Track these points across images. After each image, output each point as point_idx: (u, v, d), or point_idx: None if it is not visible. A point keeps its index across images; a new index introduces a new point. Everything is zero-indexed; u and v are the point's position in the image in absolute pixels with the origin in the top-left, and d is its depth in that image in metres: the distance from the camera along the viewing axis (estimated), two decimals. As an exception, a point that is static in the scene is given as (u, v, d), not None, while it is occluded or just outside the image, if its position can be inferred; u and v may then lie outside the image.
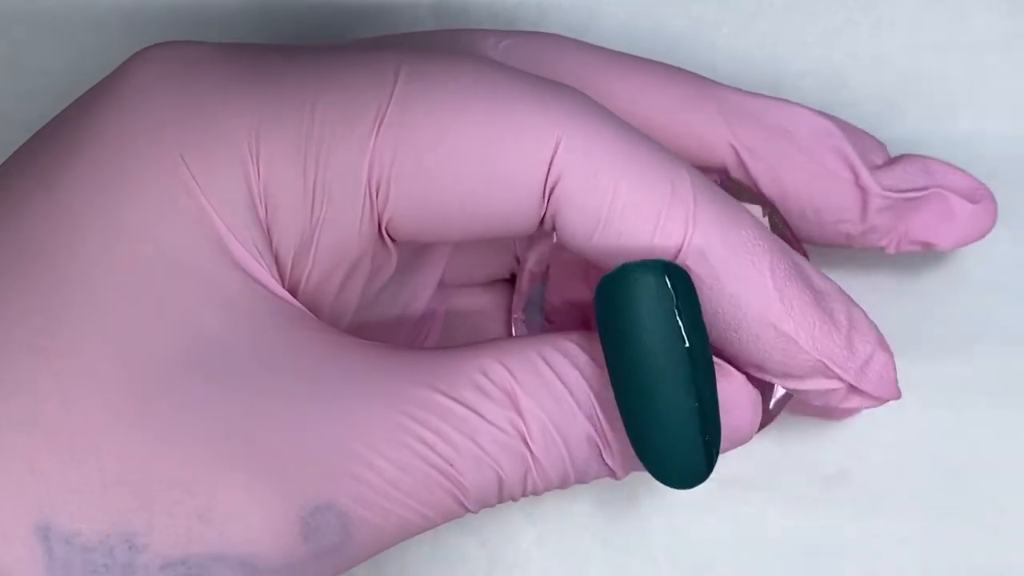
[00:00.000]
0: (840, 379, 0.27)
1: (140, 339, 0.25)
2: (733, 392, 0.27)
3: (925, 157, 0.31)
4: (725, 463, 0.34)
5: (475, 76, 0.26)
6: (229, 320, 0.25)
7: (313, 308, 0.27)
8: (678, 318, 0.25)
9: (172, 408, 0.24)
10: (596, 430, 0.26)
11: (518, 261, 0.32)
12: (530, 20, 0.35)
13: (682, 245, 0.26)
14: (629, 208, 0.26)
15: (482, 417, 0.26)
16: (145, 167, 0.25)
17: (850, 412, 0.33)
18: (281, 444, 0.25)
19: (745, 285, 0.26)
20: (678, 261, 0.26)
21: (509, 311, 0.33)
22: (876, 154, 0.31)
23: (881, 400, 0.28)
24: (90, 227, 0.25)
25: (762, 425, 0.28)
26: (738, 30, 0.35)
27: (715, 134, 0.30)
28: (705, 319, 0.26)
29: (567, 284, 0.31)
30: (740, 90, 0.31)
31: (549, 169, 0.26)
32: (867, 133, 0.32)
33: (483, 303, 0.33)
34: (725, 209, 0.26)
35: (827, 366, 0.27)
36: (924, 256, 0.34)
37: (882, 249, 0.31)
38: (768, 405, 0.30)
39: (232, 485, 0.24)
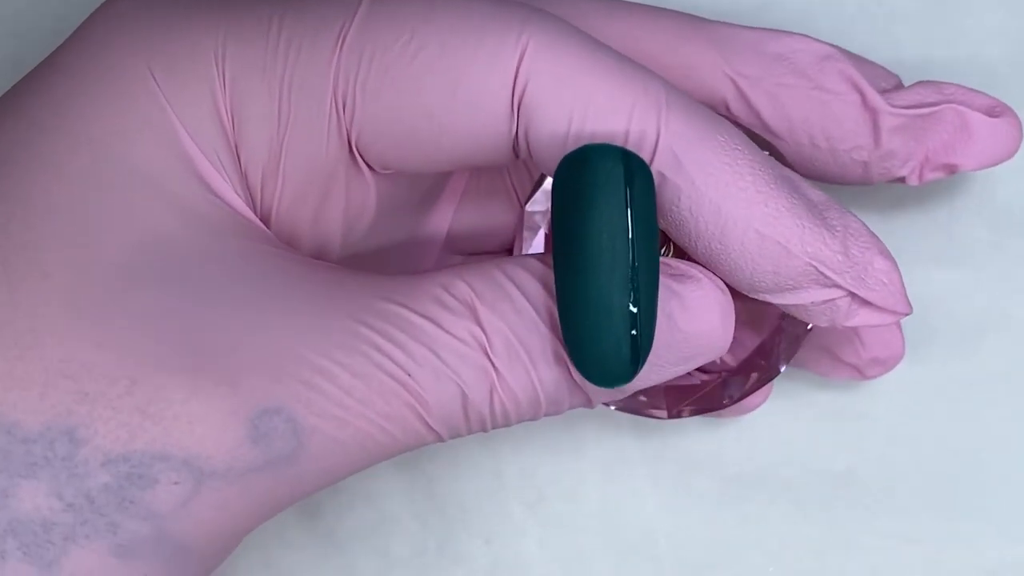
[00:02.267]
0: (837, 285, 0.26)
1: (93, 239, 0.25)
2: (701, 296, 0.26)
3: (938, 81, 0.30)
4: (729, 462, 0.35)
5: None
6: (184, 226, 0.25)
7: (291, 237, 0.27)
8: (627, 206, 0.24)
9: (120, 306, 0.24)
10: (564, 346, 0.25)
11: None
12: None
13: (655, 148, 0.25)
14: (599, 112, 0.25)
15: (440, 327, 0.25)
16: (112, 78, 0.26)
17: (877, 366, 0.32)
18: (228, 346, 0.24)
19: (725, 190, 0.25)
20: (653, 167, 0.25)
21: None
22: (885, 81, 0.30)
23: (891, 313, 0.27)
24: (53, 133, 0.25)
25: (785, 362, 0.28)
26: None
27: (712, 68, 0.29)
28: (690, 229, 0.25)
29: None
30: (734, 24, 0.30)
31: (516, 76, 0.25)
32: (877, 64, 0.31)
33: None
34: (699, 115, 0.26)
35: (820, 271, 0.26)
36: (928, 257, 0.34)
37: (904, 182, 0.30)
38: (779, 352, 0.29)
39: (176, 383, 0.24)
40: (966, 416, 0.34)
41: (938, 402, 0.34)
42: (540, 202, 0.30)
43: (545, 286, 0.25)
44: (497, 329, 0.25)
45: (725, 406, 0.30)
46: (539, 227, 0.30)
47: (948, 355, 0.34)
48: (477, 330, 0.25)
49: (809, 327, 0.29)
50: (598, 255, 0.24)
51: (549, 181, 0.29)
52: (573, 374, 0.26)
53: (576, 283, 0.24)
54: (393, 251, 0.30)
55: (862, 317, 0.27)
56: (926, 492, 0.34)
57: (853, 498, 0.34)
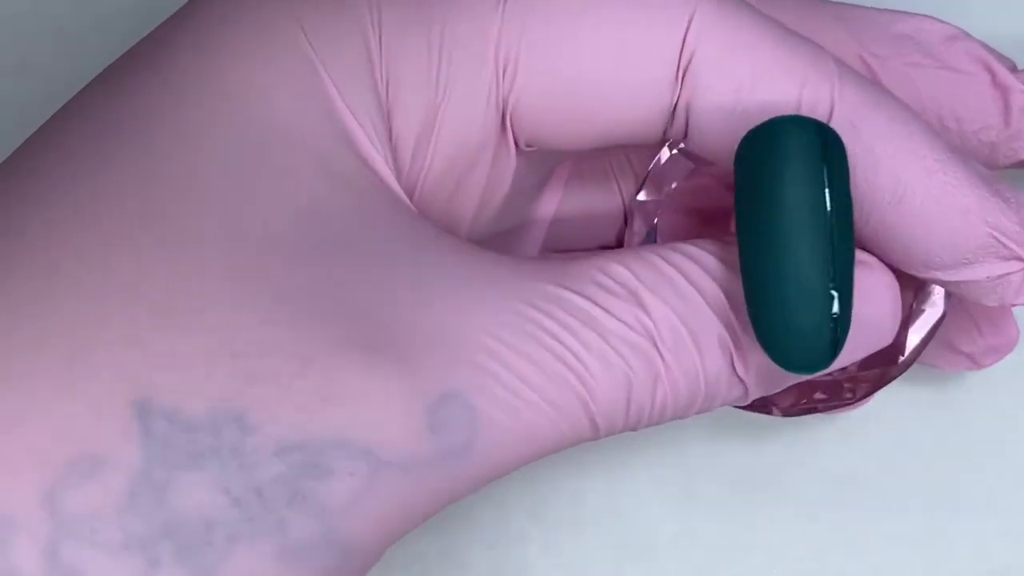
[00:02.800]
0: (1017, 257, 0.25)
1: (249, 208, 0.22)
2: (872, 282, 0.25)
3: None
4: (730, 465, 0.34)
5: None
6: (338, 195, 0.23)
7: (427, 205, 0.25)
8: (826, 182, 0.23)
9: (284, 279, 0.22)
10: (728, 331, 0.24)
11: (626, 222, 0.31)
12: None
13: (830, 115, 0.24)
14: (771, 81, 0.24)
15: (608, 312, 0.23)
16: (261, 35, 0.24)
17: (993, 354, 0.31)
18: (402, 326, 0.22)
19: (904, 158, 0.24)
20: (833, 115, 0.24)
21: None
22: (1004, 63, 0.30)
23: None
24: (196, 92, 0.23)
25: (917, 353, 0.27)
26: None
27: (840, 45, 0.29)
28: (863, 200, 0.25)
29: (682, 212, 0.29)
30: (860, 6, 0.29)
31: (684, 41, 0.24)
32: (993, 48, 0.30)
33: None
34: (870, 84, 0.25)
35: (1000, 241, 0.25)
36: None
37: None
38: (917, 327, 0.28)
39: (352, 362, 0.22)
40: (968, 417, 0.34)
41: (940, 403, 0.34)
42: (653, 191, 0.29)
43: (706, 271, 0.24)
44: (663, 315, 0.24)
45: (852, 403, 0.29)
46: (652, 218, 0.29)
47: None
48: (643, 316, 0.24)
49: (942, 315, 0.28)
50: (797, 234, 0.23)
51: (660, 166, 0.28)
52: (737, 366, 0.25)
53: (772, 264, 0.23)
54: (500, 238, 0.29)
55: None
56: (928, 493, 0.34)
57: (855, 499, 0.34)
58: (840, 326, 0.23)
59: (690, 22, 0.24)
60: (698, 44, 0.24)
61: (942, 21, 0.30)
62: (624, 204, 0.30)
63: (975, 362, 0.31)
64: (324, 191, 0.23)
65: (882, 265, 0.25)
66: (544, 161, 0.28)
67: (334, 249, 0.23)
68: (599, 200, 0.31)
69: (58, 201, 0.23)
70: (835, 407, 0.29)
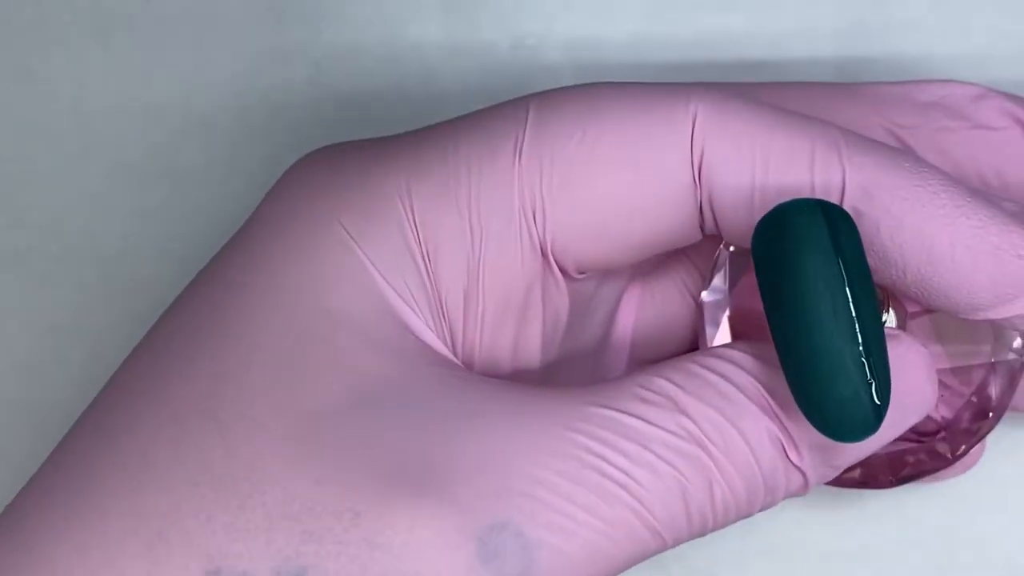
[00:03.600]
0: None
1: (300, 383, 0.25)
2: (903, 353, 0.25)
3: None
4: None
5: (601, 88, 0.27)
6: (389, 365, 0.25)
7: (493, 365, 0.27)
8: (837, 257, 0.24)
9: (333, 441, 0.24)
10: (775, 421, 0.25)
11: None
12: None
13: (843, 185, 0.25)
14: (780, 162, 0.25)
15: (649, 422, 0.24)
16: (303, 232, 0.26)
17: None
18: (444, 465, 0.24)
19: (923, 211, 0.25)
20: (845, 205, 0.25)
21: None
22: None
23: None
24: (253, 291, 0.26)
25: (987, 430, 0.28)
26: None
27: (868, 121, 0.29)
28: (896, 258, 0.25)
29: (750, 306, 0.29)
30: (880, 82, 0.30)
31: (692, 143, 0.26)
32: (1018, 96, 0.31)
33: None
34: (877, 146, 0.26)
35: None
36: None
37: None
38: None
39: (400, 508, 0.23)
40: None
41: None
42: (717, 290, 0.29)
43: (743, 369, 0.25)
44: (705, 415, 0.25)
45: (951, 461, 0.29)
46: (720, 317, 0.29)
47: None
48: (684, 420, 0.25)
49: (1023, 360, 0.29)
50: (818, 310, 0.24)
51: (719, 265, 0.29)
52: (791, 455, 0.25)
53: (801, 341, 0.24)
54: (583, 367, 0.30)
55: None
56: (932, 495, 0.34)
57: (858, 503, 0.34)
58: (880, 389, 0.24)
59: (694, 122, 0.26)
60: (706, 144, 0.26)
61: (965, 82, 0.30)
62: (690, 295, 0.31)
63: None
64: (370, 363, 0.25)
65: (910, 337, 0.26)
66: (605, 281, 0.29)
67: (381, 412, 0.25)
68: (673, 307, 0.31)
69: (141, 394, 0.26)
70: (935, 469, 0.30)
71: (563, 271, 0.27)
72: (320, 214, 0.26)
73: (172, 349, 0.26)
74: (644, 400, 0.25)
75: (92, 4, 0.35)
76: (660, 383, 0.25)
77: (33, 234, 0.35)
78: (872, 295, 0.24)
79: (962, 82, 0.30)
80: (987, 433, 0.29)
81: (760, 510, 0.26)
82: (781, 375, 0.25)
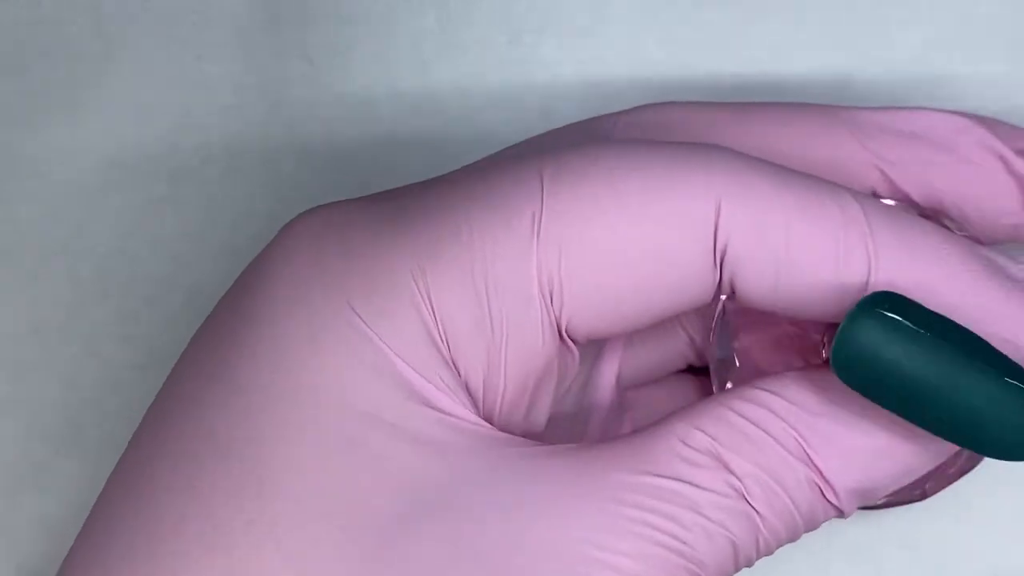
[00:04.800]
0: None
1: (354, 497, 0.24)
2: None
3: None
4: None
5: (616, 157, 0.26)
6: (433, 461, 0.25)
7: (507, 427, 0.27)
8: (920, 331, 0.24)
9: (403, 558, 0.24)
10: (812, 469, 0.25)
11: (693, 349, 0.32)
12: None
13: (868, 270, 0.25)
14: (805, 249, 0.25)
15: (697, 487, 0.25)
16: (319, 327, 0.25)
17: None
18: (509, 568, 0.24)
19: (947, 283, 0.25)
20: (870, 289, 0.25)
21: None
22: (1020, 140, 0.30)
23: None
24: (278, 398, 0.25)
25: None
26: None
27: (856, 159, 0.29)
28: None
29: (757, 360, 0.30)
30: (865, 107, 0.30)
31: (716, 234, 0.25)
32: (1006, 122, 0.31)
33: (664, 401, 0.32)
34: (901, 222, 0.26)
35: None
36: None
37: None
38: None
39: None
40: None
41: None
42: (721, 338, 0.30)
43: (778, 415, 0.25)
44: (748, 472, 0.25)
45: (921, 497, 0.30)
46: (731, 365, 0.30)
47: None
48: (731, 478, 0.25)
49: None
50: (945, 384, 0.24)
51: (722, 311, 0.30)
52: (829, 496, 0.26)
53: (954, 418, 0.24)
54: (574, 398, 0.30)
55: None
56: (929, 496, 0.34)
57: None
58: None
59: (718, 210, 0.25)
60: (731, 231, 0.25)
61: (947, 112, 0.30)
62: (684, 330, 0.31)
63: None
64: (414, 460, 0.24)
65: None
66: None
67: (435, 514, 0.24)
68: (661, 333, 0.32)
69: (171, 509, 0.25)
70: (908, 501, 0.30)
71: (575, 340, 0.27)
72: (332, 302, 0.25)
73: (200, 471, 0.25)
74: (689, 461, 0.25)
75: (90, 2, 0.35)
76: (701, 439, 0.25)
77: (24, 229, 0.35)
78: (968, 333, 0.25)
79: (944, 111, 0.30)
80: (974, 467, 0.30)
81: (798, 537, 0.26)
82: (814, 417, 0.25)
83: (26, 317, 0.34)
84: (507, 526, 0.24)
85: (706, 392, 0.31)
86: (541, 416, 0.27)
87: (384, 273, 0.25)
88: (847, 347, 0.24)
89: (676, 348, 0.32)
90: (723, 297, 0.28)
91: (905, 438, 0.26)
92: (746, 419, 0.25)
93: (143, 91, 0.34)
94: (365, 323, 0.25)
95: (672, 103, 0.30)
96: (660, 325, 0.29)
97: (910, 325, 0.24)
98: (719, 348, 0.30)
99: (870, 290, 0.25)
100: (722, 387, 0.30)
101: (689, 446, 0.25)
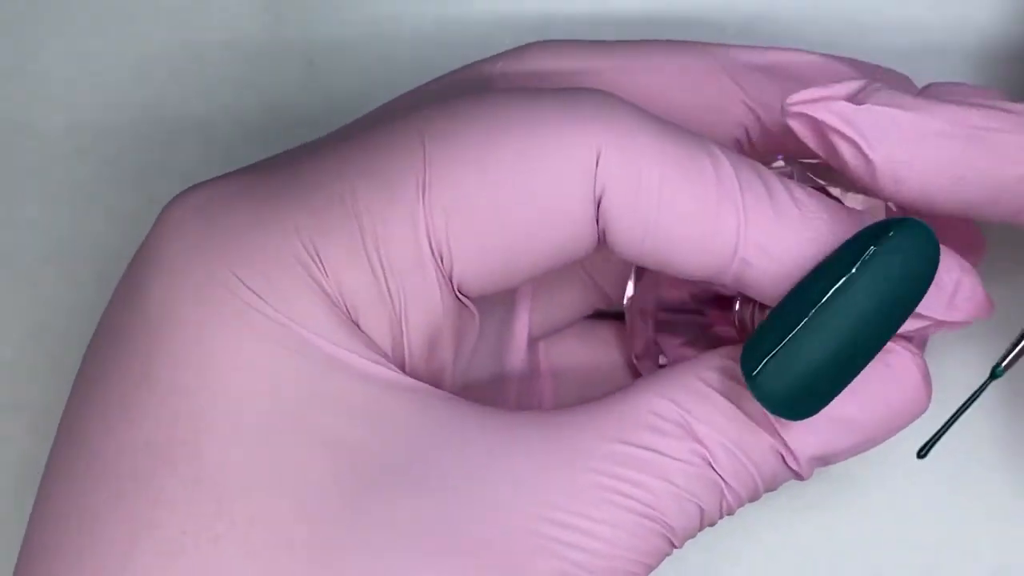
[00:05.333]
0: (929, 317, 0.27)
1: (306, 483, 0.24)
2: (902, 361, 0.27)
3: (951, 84, 0.30)
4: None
5: (494, 116, 0.26)
6: (373, 427, 0.25)
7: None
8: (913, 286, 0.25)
9: (366, 534, 0.24)
10: (776, 438, 0.26)
11: (597, 291, 0.32)
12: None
13: (737, 230, 0.26)
14: (677, 204, 0.25)
15: (667, 456, 0.25)
16: (230, 324, 0.25)
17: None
18: (479, 535, 0.24)
19: (808, 249, 0.26)
20: (739, 245, 0.26)
21: (608, 352, 0.32)
22: (902, 87, 0.29)
23: (972, 320, 0.27)
24: (209, 404, 0.25)
25: None
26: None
27: (733, 100, 0.30)
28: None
29: (673, 283, 0.31)
30: (744, 46, 0.30)
31: (595, 183, 0.26)
32: (890, 69, 0.31)
33: (579, 351, 0.32)
34: (772, 185, 0.26)
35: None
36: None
37: None
38: None
39: None
40: (966, 418, 0.34)
41: (937, 405, 0.34)
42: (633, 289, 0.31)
43: (741, 383, 0.26)
44: (716, 442, 0.26)
45: None
46: (649, 312, 0.30)
47: (947, 358, 0.34)
48: (698, 447, 0.26)
49: None
50: (876, 329, 0.25)
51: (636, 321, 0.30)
52: (790, 462, 0.26)
53: (829, 344, 0.25)
54: (484, 354, 0.30)
55: (947, 328, 0.27)
56: (926, 494, 0.34)
57: (852, 500, 0.34)
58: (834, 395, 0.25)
59: (597, 159, 0.25)
60: (607, 182, 0.26)
61: (827, 56, 0.30)
62: (588, 275, 0.32)
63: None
64: (351, 427, 0.25)
65: (910, 346, 0.27)
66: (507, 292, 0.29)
67: (385, 481, 0.24)
68: (569, 283, 0.32)
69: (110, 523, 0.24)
70: None
71: (469, 297, 0.27)
72: (237, 296, 0.25)
73: (144, 484, 0.25)
74: (659, 431, 0.26)
75: (90, 1, 0.35)
76: (669, 409, 0.26)
77: (24, 233, 0.35)
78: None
79: (822, 56, 0.30)
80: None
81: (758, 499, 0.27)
82: None
83: (27, 319, 0.34)
84: (472, 494, 0.24)
85: (618, 336, 0.32)
86: (444, 372, 0.27)
87: (281, 258, 0.25)
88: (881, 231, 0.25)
89: (584, 296, 0.32)
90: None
91: (870, 409, 0.27)
92: (715, 390, 0.26)
93: (142, 89, 0.34)
94: (274, 307, 0.25)
95: (549, 43, 0.30)
96: (565, 275, 0.31)
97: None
98: (636, 293, 0.30)
99: (738, 251, 0.25)
100: (633, 328, 0.31)
101: (659, 416, 0.26)
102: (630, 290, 0.31)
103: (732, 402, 0.26)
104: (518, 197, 0.25)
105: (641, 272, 0.31)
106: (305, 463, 0.24)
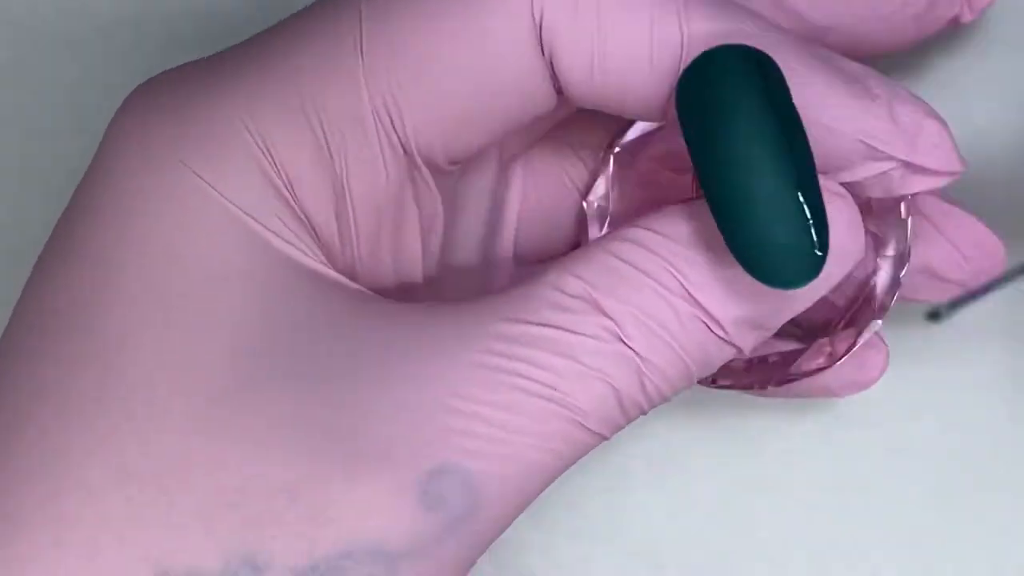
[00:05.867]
0: (890, 157, 0.25)
1: (199, 356, 0.24)
2: (829, 198, 0.24)
3: None
4: (729, 468, 0.34)
5: None
6: (280, 312, 0.24)
7: (375, 282, 0.26)
8: (768, 98, 0.23)
9: (248, 416, 0.23)
10: (694, 305, 0.24)
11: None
12: None
13: (681, 44, 0.24)
14: (617, 25, 0.24)
15: (569, 331, 0.24)
16: (154, 186, 0.24)
17: (981, 275, 0.30)
18: (368, 420, 0.23)
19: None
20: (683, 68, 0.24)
21: None
22: None
23: (944, 174, 0.26)
24: (119, 264, 0.24)
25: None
26: None
27: None
28: None
29: (634, 200, 0.30)
30: None
31: (533, 15, 0.24)
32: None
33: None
34: (719, 7, 0.25)
35: (869, 145, 0.25)
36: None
37: (959, 21, 0.29)
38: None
39: (335, 476, 0.23)
40: (965, 418, 0.34)
41: (937, 405, 0.34)
42: (599, 189, 0.29)
43: (653, 252, 0.24)
44: (624, 313, 0.24)
45: (833, 361, 0.29)
46: (606, 213, 0.29)
47: (946, 358, 0.34)
48: (606, 321, 0.24)
49: (907, 257, 0.28)
50: (755, 154, 0.23)
51: (608, 170, 0.29)
52: (716, 331, 0.25)
53: (738, 190, 0.23)
54: (468, 278, 0.29)
55: (917, 182, 0.26)
56: (926, 494, 0.34)
57: (853, 501, 0.34)
58: (818, 230, 0.23)
59: None
60: (545, 9, 0.24)
61: None
62: (573, 155, 0.31)
63: (967, 286, 0.30)
64: (260, 312, 0.24)
65: (832, 182, 0.25)
66: (477, 175, 0.29)
67: (284, 368, 0.24)
68: (558, 202, 0.31)
69: (23, 389, 0.24)
70: (817, 370, 0.29)
71: (434, 167, 0.26)
72: (166, 160, 0.24)
73: (45, 339, 0.24)
74: (561, 306, 0.24)
75: (91, 3, 0.35)
76: (575, 284, 0.24)
77: (37, 233, 0.35)
78: (804, 139, 0.24)
79: None
80: (869, 331, 0.29)
81: (699, 380, 0.25)
82: (691, 249, 0.24)
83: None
84: (366, 382, 0.24)
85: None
86: (413, 266, 0.26)
87: (214, 123, 0.24)
88: (698, 69, 0.24)
89: (572, 219, 0.31)
90: (605, 149, 0.28)
91: None
92: (620, 259, 0.24)
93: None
94: (199, 176, 0.24)
95: None
96: (556, 195, 0.30)
97: (761, 83, 0.23)
98: (592, 193, 0.29)
99: (683, 69, 0.24)
100: (595, 231, 0.29)
101: (564, 292, 0.24)
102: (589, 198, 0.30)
103: (643, 273, 0.24)
104: (460, 39, 0.24)
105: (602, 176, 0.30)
106: (200, 338, 0.23)
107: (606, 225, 0.30)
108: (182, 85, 0.26)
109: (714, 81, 0.23)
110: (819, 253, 0.23)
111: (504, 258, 0.30)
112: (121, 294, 0.24)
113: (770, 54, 0.24)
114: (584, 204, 0.30)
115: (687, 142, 0.24)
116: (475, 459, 0.23)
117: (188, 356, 0.24)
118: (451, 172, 0.27)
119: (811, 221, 0.23)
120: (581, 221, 0.30)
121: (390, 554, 0.23)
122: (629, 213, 0.30)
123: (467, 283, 0.29)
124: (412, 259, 0.27)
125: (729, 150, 0.23)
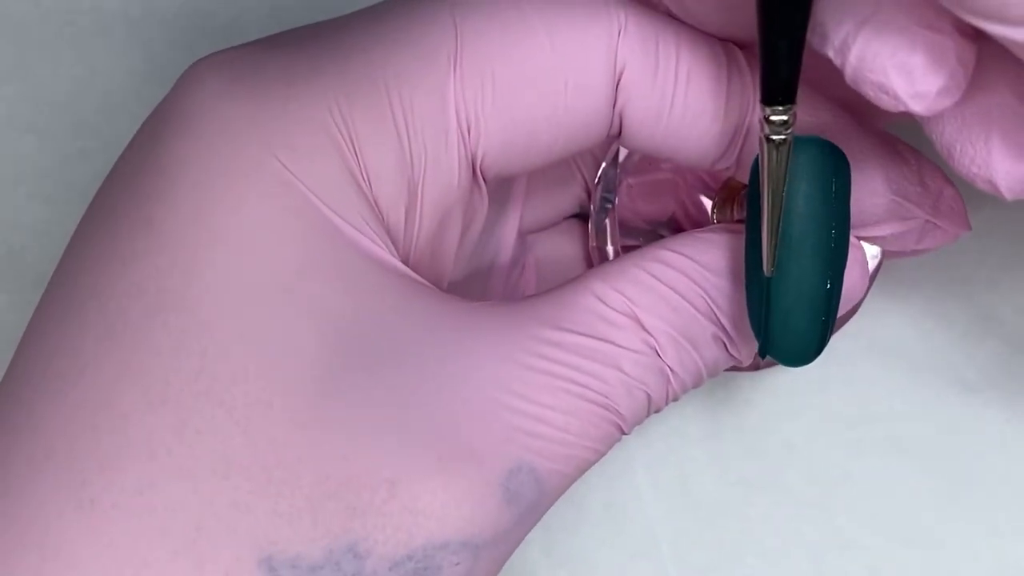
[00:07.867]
0: (915, 216, 0.27)
1: (291, 349, 0.24)
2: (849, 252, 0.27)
3: None
4: (729, 466, 0.35)
5: None
6: (365, 306, 0.25)
7: (417, 271, 0.27)
8: (833, 196, 0.25)
9: (344, 409, 0.24)
10: (718, 327, 0.27)
11: (588, 195, 0.33)
12: None
13: (748, 110, 0.26)
14: (692, 82, 0.26)
15: (617, 345, 0.26)
16: (241, 175, 0.25)
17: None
18: (454, 418, 0.25)
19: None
20: (751, 128, 0.26)
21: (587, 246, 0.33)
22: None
23: (955, 233, 0.28)
24: (207, 257, 0.24)
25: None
26: None
27: None
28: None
29: (637, 204, 0.31)
30: None
31: (615, 61, 0.26)
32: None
33: (564, 246, 0.33)
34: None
35: (902, 206, 0.27)
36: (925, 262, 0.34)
37: None
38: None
39: (431, 473, 0.24)
40: (964, 418, 0.34)
41: (936, 404, 0.34)
42: (607, 182, 0.31)
43: (688, 276, 0.27)
44: (662, 331, 0.26)
45: None
46: (611, 208, 0.31)
47: (945, 358, 0.34)
48: (647, 336, 0.26)
49: (879, 263, 0.30)
50: (805, 242, 0.26)
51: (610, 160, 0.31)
52: (732, 351, 0.27)
53: (791, 274, 0.26)
54: (480, 247, 0.31)
55: (931, 240, 0.28)
56: (925, 493, 0.34)
57: (852, 499, 0.34)
58: (830, 323, 0.26)
59: (619, 34, 0.26)
60: (627, 60, 0.26)
61: None
62: (581, 174, 0.33)
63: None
64: (344, 304, 0.25)
65: (856, 240, 0.27)
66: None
67: (374, 360, 0.25)
68: (560, 183, 0.33)
69: (118, 380, 0.24)
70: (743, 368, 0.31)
71: (485, 179, 0.27)
72: (251, 152, 0.25)
73: (132, 327, 0.24)
74: (608, 321, 0.26)
75: (93, 5, 0.35)
76: (618, 299, 0.26)
77: (28, 235, 0.35)
78: (848, 233, 0.26)
79: None
80: (842, 324, 0.31)
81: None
82: (721, 279, 0.27)
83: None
84: (446, 375, 0.25)
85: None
86: (447, 256, 0.28)
87: (303, 117, 0.25)
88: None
89: (573, 193, 0.33)
90: (604, 163, 0.30)
91: None
92: (660, 281, 0.26)
93: (144, 89, 0.35)
94: (288, 169, 0.25)
95: None
96: (560, 171, 0.31)
97: (833, 178, 0.25)
98: (603, 191, 0.31)
99: (752, 129, 0.26)
100: (599, 227, 0.31)
101: (608, 306, 0.26)
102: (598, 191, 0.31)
103: (678, 293, 0.26)
104: (545, 70, 0.26)
105: (609, 170, 0.31)
106: (291, 329, 0.24)
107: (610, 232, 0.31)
108: (257, 70, 0.26)
109: (801, 173, 0.25)
110: (821, 346, 0.26)
111: (509, 233, 0.32)
112: (209, 286, 0.24)
113: (837, 136, 0.26)
114: (596, 199, 0.31)
115: (749, 216, 0.26)
116: (542, 458, 0.25)
117: (279, 349, 0.24)
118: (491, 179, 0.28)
119: (825, 319, 0.26)
120: (577, 187, 0.32)
121: (477, 545, 0.25)
122: (629, 206, 0.31)
123: (476, 259, 0.31)
124: (447, 261, 0.28)
125: (788, 239, 0.26)
